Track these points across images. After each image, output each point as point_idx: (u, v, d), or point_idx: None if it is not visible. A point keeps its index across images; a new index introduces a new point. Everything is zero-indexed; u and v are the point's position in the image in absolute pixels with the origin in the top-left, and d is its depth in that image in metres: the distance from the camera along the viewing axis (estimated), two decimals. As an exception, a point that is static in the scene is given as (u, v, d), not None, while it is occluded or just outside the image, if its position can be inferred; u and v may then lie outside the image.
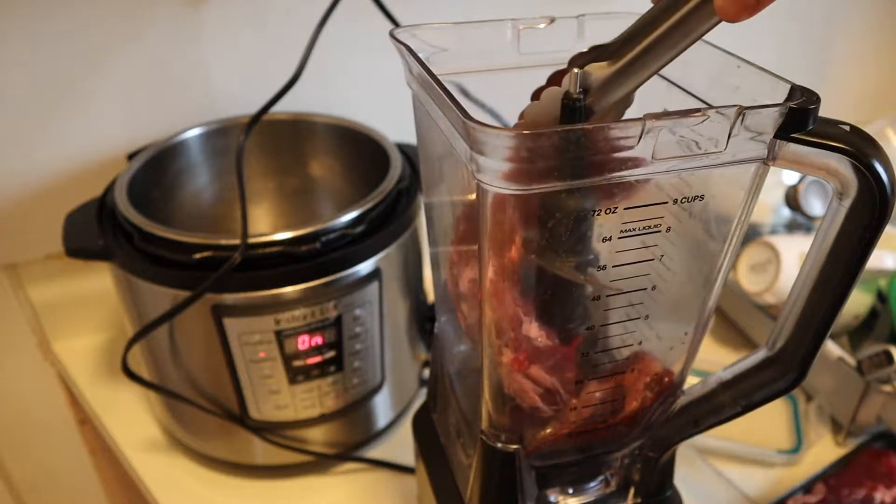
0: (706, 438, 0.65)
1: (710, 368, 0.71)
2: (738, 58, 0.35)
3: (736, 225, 0.34)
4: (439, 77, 0.32)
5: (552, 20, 0.40)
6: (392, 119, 0.63)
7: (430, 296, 0.70)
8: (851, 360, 0.64)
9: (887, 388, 0.61)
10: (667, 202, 0.33)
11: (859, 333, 0.73)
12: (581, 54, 0.33)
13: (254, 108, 0.53)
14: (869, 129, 0.29)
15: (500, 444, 0.39)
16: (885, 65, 1.16)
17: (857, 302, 0.70)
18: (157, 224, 0.53)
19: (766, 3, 0.26)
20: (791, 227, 0.81)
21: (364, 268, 0.56)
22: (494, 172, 0.29)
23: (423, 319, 0.68)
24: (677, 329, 0.39)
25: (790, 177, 0.81)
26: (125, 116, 0.70)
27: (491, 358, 0.36)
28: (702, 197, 0.33)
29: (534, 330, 0.34)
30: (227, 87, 0.73)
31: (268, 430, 0.60)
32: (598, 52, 0.32)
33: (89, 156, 0.70)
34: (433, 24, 0.38)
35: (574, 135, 0.28)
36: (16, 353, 0.77)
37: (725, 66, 0.35)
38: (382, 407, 0.65)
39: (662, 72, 0.38)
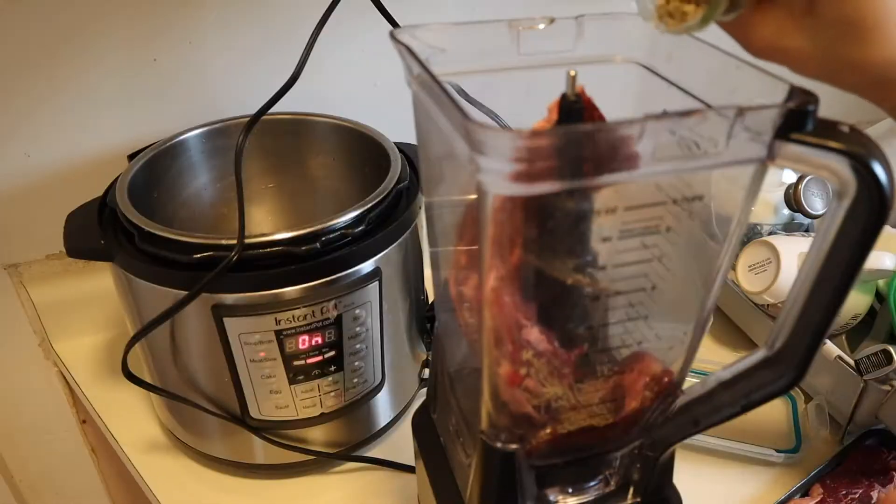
0: (706, 438, 0.65)
1: (709, 368, 0.71)
2: (738, 58, 0.35)
3: (735, 225, 0.34)
4: (439, 77, 0.32)
5: (552, 20, 0.40)
6: (392, 119, 0.63)
7: (431, 296, 0.70)
8: (850, 360, 0.64)
9: (885, 387, 0.61)
10: (666, 202, 0.33)
11: (858, 333, 0.73)
12: None
13: (254, 108, 0.53)
14: (875, 130, 0.29)
15: (499, 444, 0.39)
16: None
17: (856, 302, 0.70)
18: (158, 224, 0.53)
19: None
20: (790, 228, 0.81)
21: (364, 268, 0.56)
22: (494, 173, 0.28)
23: (423, 319, 0.68)
24: (676, 329, 0.39)
25: (790, 177, 0.81)
26: (125, 116, 0.70)
27: (490, 360, 0.36)
28: (701, 197, 0.33)
29: (534, 334, 0.34)
30: (226, 87, 0.73)
31: (268, 430, 0.60)
32: None
33: (90, 156, 0.70)
34: (433, 25, 0.38)
35: (574, 135, 0.28)
36: (17, 353, 0.77)
37: (725, 67, 0.35)
38: (382, 407, 0.65)
39: (662, 72, 0.38)
